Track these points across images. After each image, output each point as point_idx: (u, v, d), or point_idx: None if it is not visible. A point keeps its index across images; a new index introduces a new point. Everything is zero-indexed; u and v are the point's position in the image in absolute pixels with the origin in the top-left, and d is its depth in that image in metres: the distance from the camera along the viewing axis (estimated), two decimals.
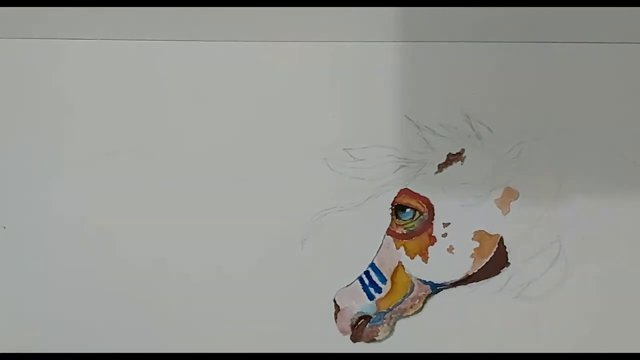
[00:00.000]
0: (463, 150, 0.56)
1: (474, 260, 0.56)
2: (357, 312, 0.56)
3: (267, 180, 0.57)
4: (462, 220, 0.56)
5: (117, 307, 0.57)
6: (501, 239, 0.56)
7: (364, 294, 0.56)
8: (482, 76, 0.57)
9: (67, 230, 0.57)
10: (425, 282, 0.56)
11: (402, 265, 0.56)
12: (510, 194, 0.56)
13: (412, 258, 0.56)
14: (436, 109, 0.56)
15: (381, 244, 0.56)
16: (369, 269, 0.56)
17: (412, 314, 0.56)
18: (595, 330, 0.56)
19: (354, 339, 0.56)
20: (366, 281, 0.56)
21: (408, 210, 0.56)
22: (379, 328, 0.56)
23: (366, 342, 0.56)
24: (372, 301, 0.56)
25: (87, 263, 0.57)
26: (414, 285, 0.56)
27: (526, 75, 0.57)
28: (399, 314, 0.56)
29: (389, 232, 0.56)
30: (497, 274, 0.56)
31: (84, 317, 0.57)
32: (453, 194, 0.56)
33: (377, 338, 0.56)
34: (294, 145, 0.57)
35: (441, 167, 0.56)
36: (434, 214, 0.56)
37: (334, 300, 0.56)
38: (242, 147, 0.57)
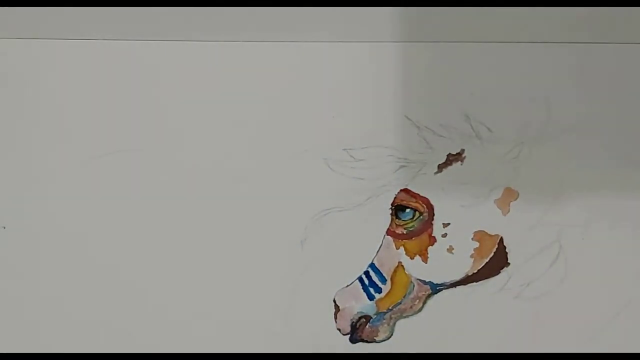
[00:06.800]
0: (463, 150, 0.56)
1: (474, 261, 0.56)
2: (357, 312, 0.56)
3: (267, 180, 0.57)
4: (462, 220, 0.56)
5: (117, 307, 0.57)
6: (501, 239, 0.56)
7: (364, 294, 0.56)
8: (482, 76, 0.57)
9: (67, 230, 0.57)
10: (425, 282, 0.56)
11: (402, 266, 0.56)
12: (510, 194, 0.56)
13: (412, 258, 0.56)
14: (436, 109, 0.56)
15: (381, 244, 0.56)
16: (369, 269, 0.56)
17: (412, 314, 0.56)
18: (595, 330, 0.56)
19: (354, 339, 0.56)
20: (366, 281, 0.56)
21: (408, 210, 0.56)
22: (379, 328, 0.56)
23: (366, 342, 0.56)
24: (372, 301, 0.56)
25: (87, 263, 0.57)
26: (413, 286, 0.56)
27: (526, 75, 0.57)
28: (398, 314, 0.56)
29: (389, 232, 0.56)
30: (497, 274, 0.56)
31: (84, 317, 0.57)
32: (453, 194, 0.56)
33: (377, 338, 0.56)
34: (294, 145, 0.57)
35: (441, 167, 0.56)
36: (433, 214, 0.56)
37: (334, 300, 0.56)
38: (242, 147, 0.57)
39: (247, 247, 0.56)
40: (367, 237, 0.56)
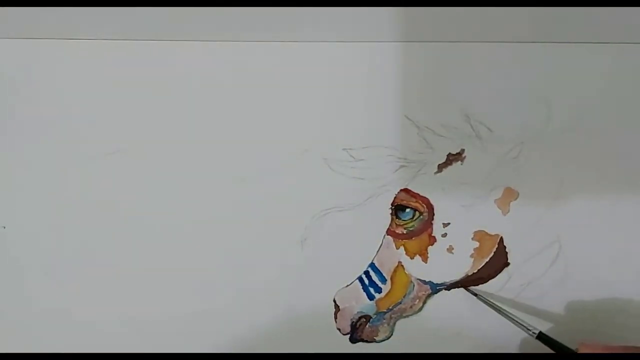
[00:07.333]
0: (463, 150, 0.56)
1: (474, 260, 0.56)
2: (357, 312, 0.56)
3: (267, 180, 0.57)
4: (462, 220, 0.56)
5: (118, 306, 0.57)
6: (501, 239, 0.56)
7: (364, 294, 0.56)
8: (482, 76, 0.57)
9: (67, 230, 0.57)
10: (425, 282, 0.56)
11: (402, 265, 0.56)
12: (510, 194, 0.56)
13: (412, 258, 0.56)
14: (436, 109, 0.56)
15: (381, 244, 0.56)
16: (369, 269, 0.56)
17: (412, 314, 0.56)
18: (595, 330, 0.56)
19: (354, 339, 0.56)
20: (366, 281, 0.56)
21: (408, 210, 0.56)
22: (379, 328, 0.56)
23: (366, 342, 0.56)
24: (372, 301, 0.56)
25: (88, 263, 0.57)
26: (413, 286, 0.56)
27: (526, 75, 0.57)
28: (398, 314, 0.56)
29: (389, 232, 0.56)
30: (497, 274, 0.56)
31: (84, 317, 0.57)
32: (453, 194, 0.56)
33: (377, 338, 0.56)
34: (294, 145, 0.57)
35: (441, 167, 0.56)
36: (433, 214, 0.56)
37: (334, 300, 0.56)
38: (242, 147, 0.57)
39: (247, 247, 0.56)
40: (367, 237, 0.56)
